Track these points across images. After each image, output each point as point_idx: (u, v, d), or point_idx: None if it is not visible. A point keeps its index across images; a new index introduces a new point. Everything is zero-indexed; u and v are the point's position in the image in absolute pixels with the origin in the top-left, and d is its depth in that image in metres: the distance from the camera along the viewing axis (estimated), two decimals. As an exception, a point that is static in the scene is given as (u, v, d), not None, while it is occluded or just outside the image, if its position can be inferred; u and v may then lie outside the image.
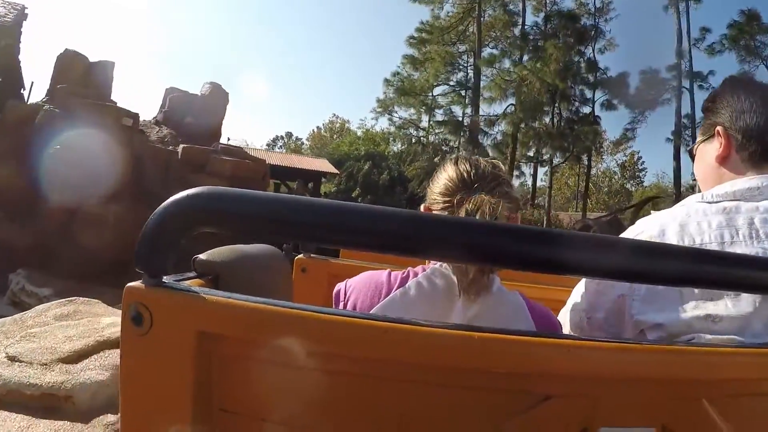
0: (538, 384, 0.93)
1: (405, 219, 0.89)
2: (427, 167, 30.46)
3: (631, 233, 1.39)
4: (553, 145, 28.30)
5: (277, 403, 0.97)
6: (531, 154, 30.47)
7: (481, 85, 31.23)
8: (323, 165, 35.73)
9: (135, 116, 15.66)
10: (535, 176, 32.23)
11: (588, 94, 28.99)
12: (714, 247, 1.23)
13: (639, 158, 47.95)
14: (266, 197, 0.90)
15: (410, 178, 32.53)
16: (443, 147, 37.77)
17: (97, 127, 13.71)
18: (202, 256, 1.25)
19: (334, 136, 49.12)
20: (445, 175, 1.39)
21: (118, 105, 15.85)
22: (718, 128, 1.42)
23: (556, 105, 28.61)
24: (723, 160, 1.40)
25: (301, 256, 2.03)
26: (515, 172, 29.46)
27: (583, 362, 0.93)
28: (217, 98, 19.78)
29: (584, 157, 31.00)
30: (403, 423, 0.94)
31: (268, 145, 58.64)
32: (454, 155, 1.44)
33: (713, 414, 0.99)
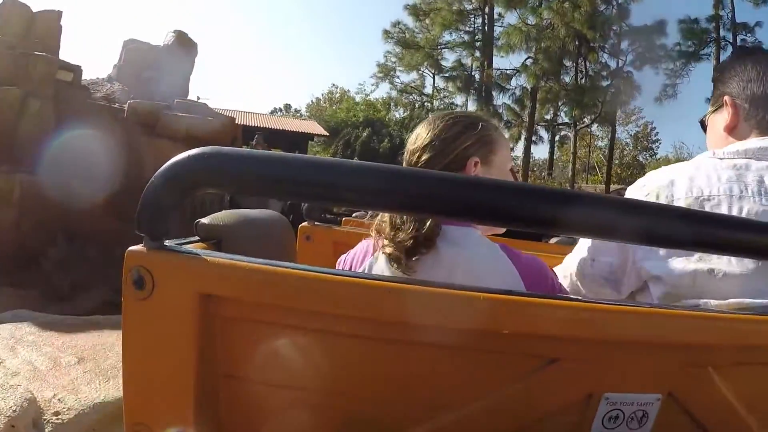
0: (544, 347, 0.92)
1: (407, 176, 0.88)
2: None
3: (640, 183, 1.40)
4: (579, 102, 24.75)
5: (282, 367, 0.96)
6: (549, 117, 27.98)
7: (497, 34, 26.87)
8: (311, 127, 33.45)
9: (76, 70, 13.10)
10: (552, 143, 29.84)
11: (618, 45, 25.22)
12: (722, 199, 1.24)
13: (653, 129, 45.96)
14: (268, 156, 0.89)
15: None
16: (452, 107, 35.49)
17: (24, 81, 11.37)
18: (204, 220, 1.23)
19: (334, 106, 46.35)
20: (413, 136, 1.49)
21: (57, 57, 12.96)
22: (726, 98, 1.44)
23: (582, 58, 25.24)
24: (731, 129, 1.41)
25: (305, 223, 2.02)
26: (533, 138, 26.96)
27: (589, 325, 0.92)
28: (182, 49, 16.20)
29: (607, 122, 28.15)
30: (409, 384, 0.94)
31: (265, 117, 56.30)
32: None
33: (719, 381, 0.99)
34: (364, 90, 44.42)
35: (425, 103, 35.71)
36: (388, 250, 1.29)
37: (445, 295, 0.89)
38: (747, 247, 0.97)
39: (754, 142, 1.33)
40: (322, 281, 0.89)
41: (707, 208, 1.23)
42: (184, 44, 16.25)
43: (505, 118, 25.55)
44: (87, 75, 14.07)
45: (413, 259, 1.27)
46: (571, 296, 0.95)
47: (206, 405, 0.96)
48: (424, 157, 1.43)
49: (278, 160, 0.88)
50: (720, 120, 1.45)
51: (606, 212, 0.88)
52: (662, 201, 1.29)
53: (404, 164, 1.46)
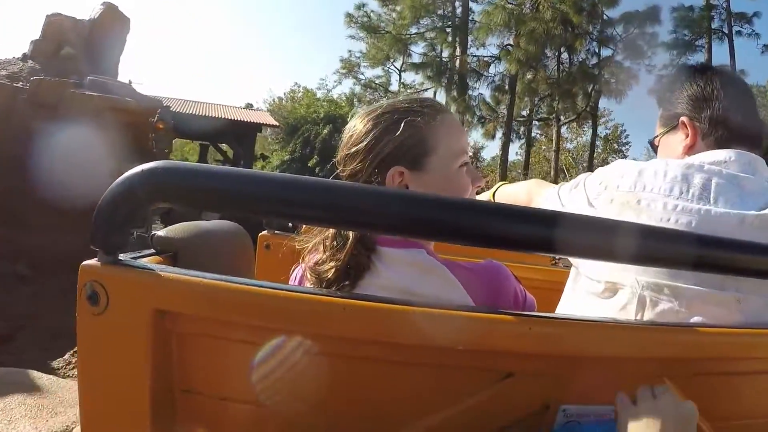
0: (500, 361, 0.93)
1: (366, 194, 0.88)
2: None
3: (600, 170, 1.40)
4: (567, 92, 22.50)
5: (239, 382, 0.96)
6: (525, 112, 25.95)
7: (475, 16, 23.79)
8: (261, 117, 29.65)
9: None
10: (529, 140, 27.07)
11: (606, 33, 22.46)
12: (657, 196, 1.23)
13: (623, 131, 45.76)
14: (220, 171, 0.88)
15: None
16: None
17: None
18: (160, 233, 1.22)
19: (296, 104, 40.97)
20: (345, 132, 1.32)
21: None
22: (683, 119, 1.42)
23: (568, 46, 22.44)
24: (690, 149, 1.41)
25: (264, 232, 2.01)
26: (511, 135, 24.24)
27: (544, 340, 0.93)
28: (112, 25, 13.74)
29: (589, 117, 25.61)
30: (364, 399, 0.94)
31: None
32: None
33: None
34: (326, 85, 41.84)
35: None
36: (309, 280, 1.20)
37: (401, 312, 0.89)
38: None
39: (714, 153, 1.33)
40: (275, 297, 0.89)
41: (642, 204, 1.23)
42: (114, 19, 13.86)
43: (479, 113, 24.41)
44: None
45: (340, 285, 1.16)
46: (525, 313, 0.95)
47: (163, 420, 0.95)
48: (347, 168, 1.28)
49: (231, 175, 0.88)
50: (675, 140, 1.45)
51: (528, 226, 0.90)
52: (609, 189, 1.30)
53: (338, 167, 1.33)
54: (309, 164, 30.08)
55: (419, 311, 0.89)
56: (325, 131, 30.56)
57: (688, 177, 1.24)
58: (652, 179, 1.26)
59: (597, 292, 1.25)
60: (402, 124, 1.23)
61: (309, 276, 1.20)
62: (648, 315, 1.17)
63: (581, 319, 1.00)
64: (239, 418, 0.98)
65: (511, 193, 1.91)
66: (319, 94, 37.70)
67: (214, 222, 1.45)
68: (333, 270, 1.15)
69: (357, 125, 1.28)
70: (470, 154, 1.33)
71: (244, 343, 0.93)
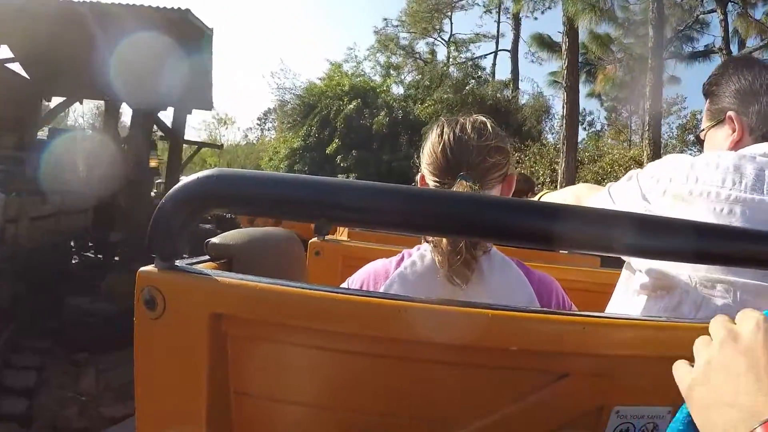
0: (554, 362, 0.93)
1: (409, 196, 0.89)
2: (450, 101, 23.44)
3: (656, 163, 1.39)
4: None
5: (293, 385, 0.98)
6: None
7: None
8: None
9: None
10: None
11: None
12: (711, 188, 1.21)
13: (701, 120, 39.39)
14: (276, 177, 0.90)
15: (424, 119, 22.85)
16: (474, 70, 29.18)
17: None
18: (215, 240, 1.24)
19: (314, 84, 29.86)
20: (429, 146, 1.35)
21: None
22: (730, 114, 1.40)
23: None
24: (737, 144, 1.39)
25: (314, 239, 2.04)
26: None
27: (599, 340, 0.92)
28: None
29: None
30: (420, 401, 0.94)
31: (259, 119, 44.16)
32: (441, 119, 1.37)
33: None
34: (355, 56, 32.10)
35: (442, 67, 28.56)
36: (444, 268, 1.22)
37: (455, 313, 0.90)
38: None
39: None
40: (331, 300, 0.90)
41: (695, 195, 1.22)
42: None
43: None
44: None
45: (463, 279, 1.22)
46: (579, 312, 0.95)
47: (218, 422, 0.97)
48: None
49: (283, 181, 0.89)
50: (722, 135, 1.43)
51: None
52: (661, 182, 1.29)
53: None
54: (327, 150, 23.79)
55: (475, 312, 0.89)
56: (351, 106, 24.18)
57: (741, 167, 1.22)
58: (704, 171, 1.24)
59: (649, 291, 1.24)
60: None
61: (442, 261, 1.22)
62: (702, 313, 1.15)
63: (635, 318, 0.99)
64: (293, 421, 0.99)
65: (558, 199, 1.90)
66: (346, 68, 29.92)
67: (268, 229, 1.47)
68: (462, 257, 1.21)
69: (445, 135, 1.33)
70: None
71: (299, 346, 0.95)
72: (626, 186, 1.40)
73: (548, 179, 17.84)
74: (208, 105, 14.28)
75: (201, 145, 19.83)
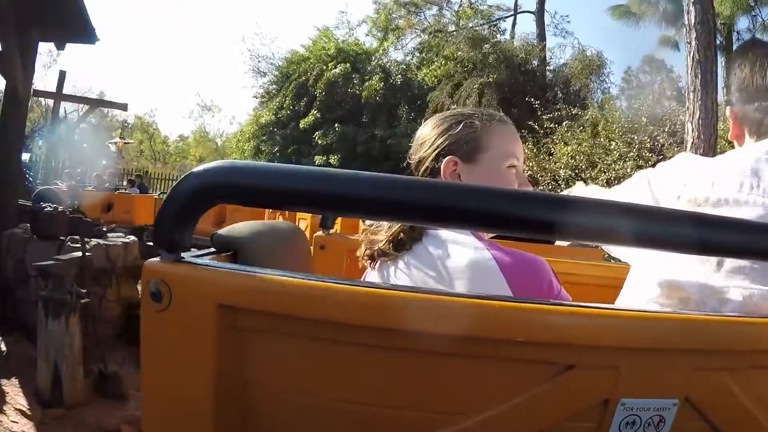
0: (560, 354, 0.93)
1: (425, 188, 0.89)
2: (466, 59, 19.34)
3: (673, 161, 1.37)
4: None
5: (300, 376, 0.98)
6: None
7: None
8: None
9: None
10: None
11: None
12: (729, 194, 1.19)
13: None
14: (284, 169, 0.90)
15: (431, 84, 20.32)
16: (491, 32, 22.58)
17: None
18: (221, 232, 1.25)
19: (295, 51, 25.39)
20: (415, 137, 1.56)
21: None
22: (730, 109, 1.39)
23: None
24: (738, 140, 1.37)
25: (319, 233, 2.04)
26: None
27: (605, 332, 0.92)
28: None
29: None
30: (426, 392, 0.94)
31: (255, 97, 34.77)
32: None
33: (735, 385, 0.99)
34: (347, 22, 27.01)
35: (447, 27, 24.02)
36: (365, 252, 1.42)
37: (462, 304, 0.90)
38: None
39: None
40: (337, 291, 0.90)
41: (712, 198, 1.19)
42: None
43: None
44: None
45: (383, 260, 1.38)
46: (586, 303, 0.94)
47: (225, 414, 0.98)
48: (415, 156, 1.51)
49: (295, 173, 0.89)
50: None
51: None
52: (676, 183, 1.26)
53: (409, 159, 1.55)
54: (301, 125, 20.05)
55: (481, 304, 0.89)
56: (337, 70, 20.36)
57: (759, 171, 1.20)
58: (719, 175, 1.22)
59: (656, 299, 1.23)
60: (464, 122, 1.47)
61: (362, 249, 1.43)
62: None
63: (642, 311, 0.99)
64: (300, 412, 0.99)
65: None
66: (337, 34, 25.31)
67: (273, 222, 1.48)
68: (383, 241, 1.38)
69: (428, 126, 1.53)
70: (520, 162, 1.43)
71: (306, 337, 0.95)
72: (636, 187, 1.39)
73: (668, 144, 12.78)
74: (83, 34, 8.11)
75: (94, 103, 18.35)
